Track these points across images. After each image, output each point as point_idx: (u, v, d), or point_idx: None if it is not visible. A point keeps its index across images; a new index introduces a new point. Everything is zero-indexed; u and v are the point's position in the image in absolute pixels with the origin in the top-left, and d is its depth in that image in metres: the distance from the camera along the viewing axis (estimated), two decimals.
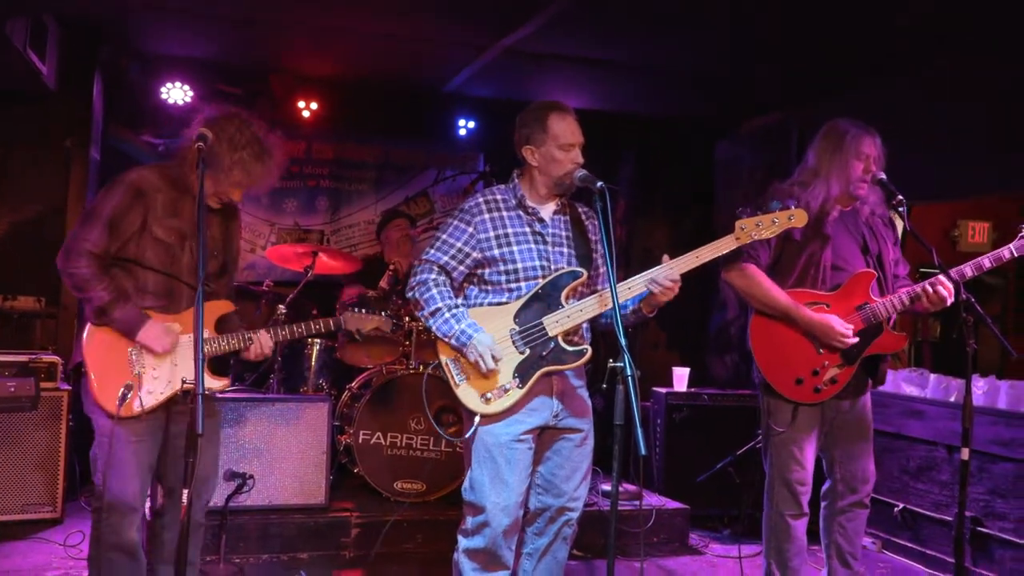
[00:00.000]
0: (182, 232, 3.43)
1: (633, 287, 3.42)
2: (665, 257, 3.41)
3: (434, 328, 3.49)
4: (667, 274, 3.37)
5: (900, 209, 3.79)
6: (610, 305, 3.26)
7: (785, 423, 3.93)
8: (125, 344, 3.37)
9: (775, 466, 4.01)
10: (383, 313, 3.94)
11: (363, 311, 3.89)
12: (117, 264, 3.40)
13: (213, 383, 3.44)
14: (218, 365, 3.62)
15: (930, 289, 3.76)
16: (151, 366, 3.39)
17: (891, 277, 4.02)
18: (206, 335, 3.41)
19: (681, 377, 6.07)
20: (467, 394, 3.47)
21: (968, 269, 3.78)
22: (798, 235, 3.86)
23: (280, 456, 4.98)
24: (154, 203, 3.38)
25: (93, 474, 3.42)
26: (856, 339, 3.83)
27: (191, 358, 3.36)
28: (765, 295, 3.91)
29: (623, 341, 2.92)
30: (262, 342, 3.53)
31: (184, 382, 3.37)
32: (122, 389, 3.30)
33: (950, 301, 3.73)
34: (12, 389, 4.83)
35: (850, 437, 4.06)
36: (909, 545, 5.35)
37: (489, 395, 3.44)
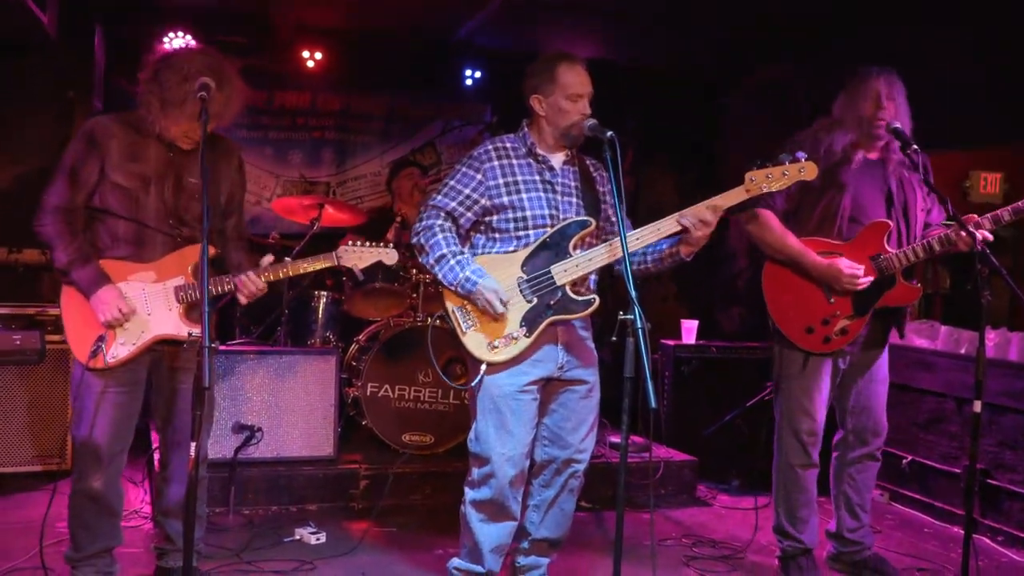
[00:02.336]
0: (144, 176, 3.34)
1: (642, 237, 3.37)
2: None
3: (439, 275, 3.46)
4: (707, 204, 3.32)
5: (915, 158, 3.72)
6: (620, 254, 3.23)
7: (796, 372, 3.91)
8: None
9: (784, 416, 4.00)
10: (384, 245, 3.59)
11: (359, 244, 3.55)
12: (95, 216, 3.36)
13: (194, 328, 3.34)
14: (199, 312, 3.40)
15: (952, 235, 3.68)
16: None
17: (919, 227, 3.94)
18: (182, 282, 3.38)
19: (690, 329, 6.05)
20: (474, 342, 3.45)
21: (986, 223, 3.67)
22: (816, 182, 3.80)
23: (288, 409, 4.98)
24: (108, 149, 3.31)
25: None
26: (868, 280, 3.79)
27: (165, 307, 3.34)
28: (776, 241, 3.87)
29: (633, 293, 2.89)
30: (251, 282, 3.41)
31: (190, 335, 3.31)
32: (95, 342, 3.28)
33: (977, 237, 3.55)
34: (18, 342, 4.82)
35: (863, 389, 4.04)
36: (917, 497, 5.35)
37: (496, 343, 3.42)
